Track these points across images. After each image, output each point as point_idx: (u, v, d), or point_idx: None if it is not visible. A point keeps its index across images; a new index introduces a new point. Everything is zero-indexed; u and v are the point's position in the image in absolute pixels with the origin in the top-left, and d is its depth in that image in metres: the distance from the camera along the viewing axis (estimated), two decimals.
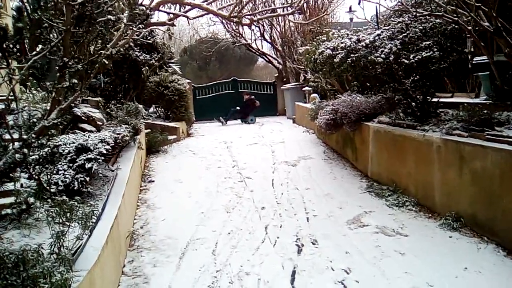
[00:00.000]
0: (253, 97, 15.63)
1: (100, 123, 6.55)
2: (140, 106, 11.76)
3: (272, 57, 18.94)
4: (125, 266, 4.54)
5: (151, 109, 12.59)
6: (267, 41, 18.16)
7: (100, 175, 5.50)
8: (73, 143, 4.73)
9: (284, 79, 18.04)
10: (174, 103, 11.81)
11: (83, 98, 7.01)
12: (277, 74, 18.84)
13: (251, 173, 7.92)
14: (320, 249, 4.73)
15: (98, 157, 4.65)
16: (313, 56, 9.13)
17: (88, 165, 4.54)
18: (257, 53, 18.92)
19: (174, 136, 11.16)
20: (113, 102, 9.06)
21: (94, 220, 3.87)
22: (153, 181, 7.58)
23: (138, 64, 8.97)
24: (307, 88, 13.22)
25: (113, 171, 5.85)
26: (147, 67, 7.59)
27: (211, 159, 9.16)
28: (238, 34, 18.69)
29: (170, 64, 14.30)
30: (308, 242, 4.93)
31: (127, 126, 6.82)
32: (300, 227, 5.38)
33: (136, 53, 8.70)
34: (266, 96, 18.78)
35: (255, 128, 13.64)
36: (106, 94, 9.00)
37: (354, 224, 5.39)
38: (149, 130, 10.55)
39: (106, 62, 5.87)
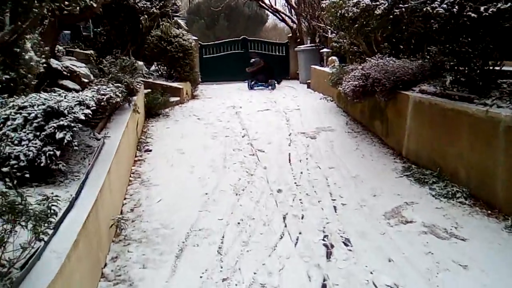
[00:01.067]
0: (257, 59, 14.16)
1: (86, 80, 5.45)
2: (140, 62, 10.62)
3: (286, 14, 17.47)
4: (106, 266, 3.54)
5: (153, 67, 11.41)
6: None
7: (82, 145, 4.45)
8: (42, 104, 3.64)
9: (298, 40, 16.69)
10: (178, 61, 10.62)
11: (68, 48, 5.85)
12: (290, 34, 17.45)
13: (264, 145, 6.85)
14: (355, 253, 3.70)
15: (73, 124, 3.57)
16: (340, 11, 7.84)
17: (59, 135, 3.46)
18: (270, 9, 17.44)
19: (177, 98, 10.04)
20: (108, 56, 7.89)
21: (60, 212, 2.84)
22: (151, 151, 6.54)
23: (137, 12, 7.72)
24: (325, 49, 11.94)
25: (99, 139, 4.79)
26: (146, 16, 6.36)
27: (218, 126, 8.07)
28: None
29: (175, 18, 12.99)
30: (339, 242, 3.89)
31: (119, 85, 5.69)
32: (327, 219, 4.33)
33: None
34: (278, 58, 17.48)
35: (266, 92, 12.47)
36: (99, 47, 7.81)
37: (394, 218, 4.33)
38: (149, 90, 9.47)
39: (94, 5, 4.73)
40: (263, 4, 17.33)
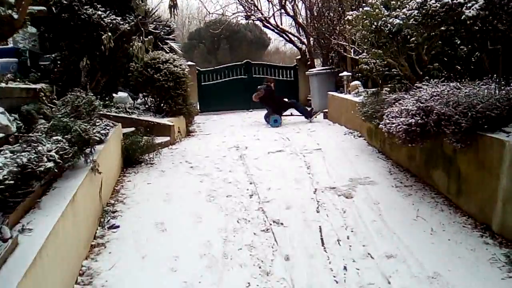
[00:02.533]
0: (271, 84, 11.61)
1: (2, 135, 3.45)
2: (123, 94, 8.74)
3: (293, 35, 15.66)
4: None
5: (140, 99, 9.49)
6: (289, 14, 14.88)
7: None
8: None
9: (308, 63, 14.81)
10: (168, 92, 8.69)
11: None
12: (299, 57, 15.59)
13: (281, 211, 4.81)
14: None
15: None
16: (376, 23, 5.91)
17: None
18: (275, 30, 15.62)
19: (167, 138, 8.06)
20: (76, 89, 5.93)
21: None
22: (118, 227, 4.50)
23: (105, 31, 5.78)
24: (345, 73, 9.99)
25: (5, 240, 2.76)
26: (109, 34, 4.48)
27: (217, 178, 6.05)
28: (252, 6, 15.41)
29: (167, 41, 11.15)
30: None
31: (59, 138, 3.69)
32: None
33: (98, 12, 5.45)
34: (285, 83, 15.60)
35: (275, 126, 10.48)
36: (57, 78, 5.88)
37: None
38: (132, 129, 7.52)
39: (15, 17, 2.86)
40: (268, 25, 15.54)
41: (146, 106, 9.20)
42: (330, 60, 13.43)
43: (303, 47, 15.14)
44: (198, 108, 14.84)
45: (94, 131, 4.75)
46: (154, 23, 11.31)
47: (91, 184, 4.39)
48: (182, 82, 8.77)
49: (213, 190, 5.56)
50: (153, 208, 4.97)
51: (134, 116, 8.42)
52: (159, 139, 7.94)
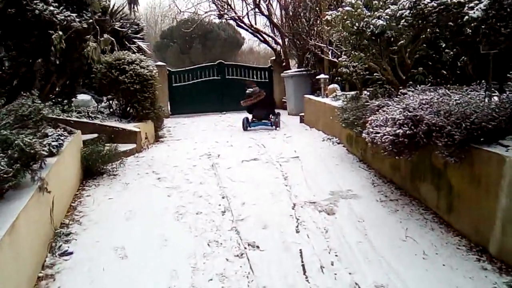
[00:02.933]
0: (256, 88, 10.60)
1: None
2: (86, 97, 8.11)
3: (268, 35, 15.22)
4: None
5: (104, 103, 8.85)
6: (263, 14, 14.43)
7: None
8: None
9: (284, 64, 14.41)
10: (135, 95, 8.10)
11: None
12: (273, 58, 15.17)
13: (256, 230, 4.33)
14: None
15: None
16: (357, 24, 5.51)
17: None
18: (249, 29, 15.14)
19: (132, 146, 7.47)
20: (25, 95, 5.30)
21: None
22: (71, 254, 3.93)
23: (57, 28, 5.12)
24: (322, 75, 9.60)
25: None
26: (60, 33, 3.90)
27: (187, 191, 5.53)
28: (226, 6, 14.88)
29: (135, 40, 10.52)
30: None
31: None
32: None
33: (50, 8, 4.83)
34: (259, 85, 15.04)
35: (250, 130, 9.98)
36: (7, 81, 5.22)
37: None
38: (94, 136, 6.93)
39: None
40: (241, 24, 15.05)
41: (111, 110, 8.56)
42: (306, 62, 13.04)
43: (278, 47, 14.73)
44: (169, 110, 14.28)
45: (45, 142, 4.16)
46: (121, 21, 10.65)
47: (38, 206, 3.80)
48: (149, 85, 8.17)
49: (181, 206, 5.03)
50: (113, 229, 4.41)
51: (97, 121, 7.79)
52: (124, 147, 7.35)
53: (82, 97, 8.98)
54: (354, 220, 4.48)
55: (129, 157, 7.24)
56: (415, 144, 4.28)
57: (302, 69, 12.30)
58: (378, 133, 4.70)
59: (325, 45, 9.32)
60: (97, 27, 4.37)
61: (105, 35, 3.78)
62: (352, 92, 8.54)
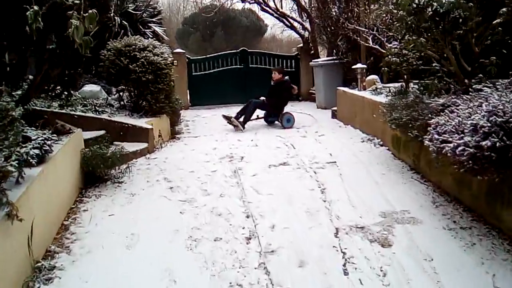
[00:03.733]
0: (287, 77, 9.29)
1: None
2: (95, 87, 7.24)
3: (295, 20, 14.06)
4: None
5: (113, 95, 7.95)
6: None
7: None
8: None
9: (312, 52, 13.25)
10: (147, 86, 7.13)
11: None
12: (301, 45, 14.01)
13: (291, 269, 3.32)
14: None
15: None
16: (417, 1, 4.39)
17: None
18: (275, 14, 14.00)
19: (143, 145, 6.54)
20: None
21: None
22: None
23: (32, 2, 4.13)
24: (359, 65, 8.45)
25: None
26: (35, 8, 2.98)
27: (203, 207, 4.55)
28: None
29: (151, 25, 9.55)
30: None
31: None
32: None
33: None
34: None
35: (277, 127, 8.89)
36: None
37: None
38: (101, 133, 6.05)
39: None
40: (266, 8, 13.91)
41: (121, 103, 7.63)
42: (337, 49, 11.88)
43: (306, 34, 13.56)
44: (189, 101, 13.36)
45: (22, 151, 3.22)
46: (136, 3, 9.69)
47: (6, 238, 2.88)
48: (164, 75, 7.19)
49: (196, 228, 4.05)
50: (109, 261, 3.46)
51: (104, 116, 6.87)
52: (134, 146, 6.43)
53: (90, 87, 8.09)
54: (419, 257, 3.42)
55: (139, 159, 6.31)
56: (507, 161, 3.18)
57: (334, 57, 11.15)
58: (448, 141, 3.61)
59: (367, 30, 8.15)
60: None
61: (91, 10, 2.75)
62: (395, 84, 7.41)
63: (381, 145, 6.48)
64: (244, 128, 8.15)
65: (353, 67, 8.44)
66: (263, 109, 8.52)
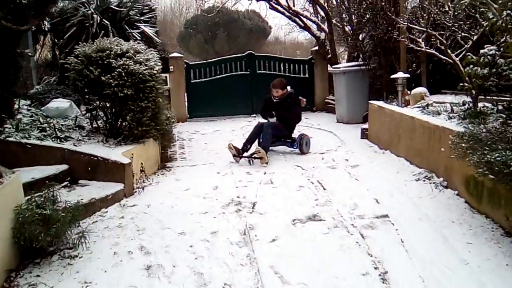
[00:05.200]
0: (289, 88, 7.11)
1: None
2: (65, 103, 5.73)
3: (310, 19, 12.28)
4: None
5: (82, 112, 6.19)
6: None
7: None
8: None
9: (329, 56, 11.48)
10: (126, 104, 5.34)
11: None
12: (316, 48, 12.23)
13: None
14: None
15: None
16: None
17: None
18: (287, 12, 12.20)
19: (118, 187, 4.78)
20: None
21: None
22: None
23: None
24: (400, 74, 6.63)
25: None
26: None
27: None
28: None
29: (139, 25, 7.80)
30: None
31: None
32: None
33: None
34: (296, 81, 12.19)
35: (292, 152, 7.03)
36: None
37: None
38: (60, 170, 4.30)
39: None
40: (277, 7, 12.12)
41: (94, 125, 5.84)
42: (356, 54, 10.14)
43: (322, 35, 11.78)
44: (186, 112, 11.63)
45: None
46: None
47: None
48: (149, 89, 5.40)
49: None
50: None
51: (67, 145, 5.11)
52: (105, 188, 4.68)
53: (57, 103, 6.34)
54: None
55: (111, 207, 4.54)
56: None
57: (359, 62, 9.35)
58: None
59: (416, 26, 6.31)
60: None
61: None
62: (452, 100, 5.65)
63: (446, 187, 4.67)
64: (252, 161, 6.27)
65: (393, 76, 6.62)
66: (276, 133, 6.62)
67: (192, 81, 11.77)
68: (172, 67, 11.35)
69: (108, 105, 5.55)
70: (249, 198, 4.77)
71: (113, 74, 5.13)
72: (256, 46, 36.24)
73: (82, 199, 4.31)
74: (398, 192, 4.70)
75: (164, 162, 6.58)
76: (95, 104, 5.53)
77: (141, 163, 5.19)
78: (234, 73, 11.98)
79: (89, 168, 4.94)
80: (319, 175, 5.51)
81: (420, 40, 6.15)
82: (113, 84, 5.10)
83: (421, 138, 5.26)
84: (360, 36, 9.87)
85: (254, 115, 11.36)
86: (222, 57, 12.77)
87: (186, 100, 11.75)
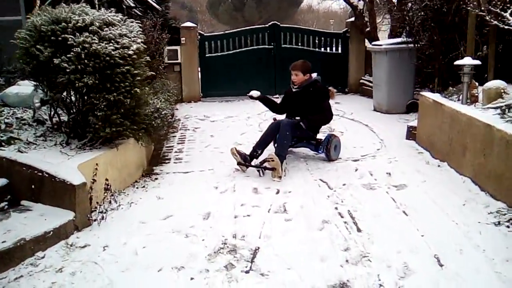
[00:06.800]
0: (315, 75, 5.26)
1: None
2: (28, 88, 4.76)
3: None
4: None
5: (36, 103, 4.76)
6: None
7: None
8: None
9: (367, 29, 9.73)
10: (88, 95, 3.89)
11: None
12: (351, 19, 10.47)
13: None
14: None
15: None
16: None
17: None
18: None
19: (66, 216, 3.37)
20: None
21: None
22: None
23: None
24: (468, 60, 4.86)
25: None
26: None
27: None
28: None
29: None
30: None
31: None
32: None
33: None
34: (327, 58, 10.57)
35: (314, 158, 5.46)
36: None
37: None
38: (6, 181, 2.96)
39: None
40: None
41: (55, 119, 4.45)
42: (402, 28, 8.37)
43: (360, 4, 9.99)
44: (200, 91, 10.23)
45: None
46: None
47: None
48: (120, 76, 3.91)
49: None
50: None
51: (7, 151, 3.74)
52: (48, 219, 3.34)
53: (18, 88, 4.97)
54: None
55: (52, 248, 3.19)
56: None
57: (405, 39, 7.59)
58: None
59: None
60: None
61: None
62: None
63: None
64: (263, 171, 4.73)
65: (458, 63, 4.88)
66: (298, 134, 5.04)
67: (206, 55, 10.32)
68: (183, 38, 9.89)
69: (67, 96, 4.12)
70: (250, 240, 3.33)
71: (68, 55, 3.67)
72: (287, 15, 34.15)
73: (3, 242, 2.98)
74: (470, 246, 3.15)
75: (154, 164, 5.19)
76: (51, 95, 4.10)
77: (106, 179, 3.78)
78: (255, 47, 10.42)
79: (33, 186, 3.59)
80: (351, 200, 3.99)
81: (508, 14, 4.38)
82: (68, 70, 3.66)
83: (501, 157, 3.64)
84: (408, 5, 8.04)
85: (277, 95, 9.78)
86: (242, 28, 11.15)
87: (199, 76, 10.33)
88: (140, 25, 4.46)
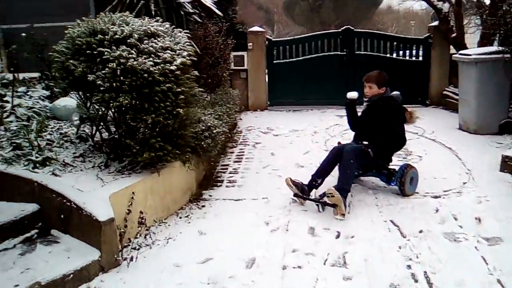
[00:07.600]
0: (396, 92, 4.49)
1: None
2: (71, 102, 3.97)
3: None
4: None
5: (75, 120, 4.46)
6: None
7: None
8: None
9: (453, 35, 8.65)
10: (124, 116, 3.47)
11: None
12: (435, 23, 9.40)
13: None
14: None
15: None
16: None
17: None
18: None
19: (92, 255, 2.97)
20: None
21: None
22: None
23: None
24: None
25: None
26: None
27: None
28: None
29: None
30: None
31: None
32: None
33: None
34: (406, 66, 9.59)
35: (385, 191, 4.66)
36: None
37: None
38: (32, 210, 2.89)
39: None
40: None
41: (94, 138, 4.08)
42: (495, 35, 7.26)
43: (445, 6, 8.89)
44: (267, 99, 9.75)
45: None
46: None
47: None
48: (160, 94, 3.44)
49: None
50: None
51: (40, 174, 3.43)
52: (73, 256, 2.97)
53: (66, 101, 4.72)
54: None
55: None
56: None
57: (499, 48, 6.50)
58: None
59: None
60: None
61: None
62: None
63: None
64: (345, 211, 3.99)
65: None
66: (364, 162, 4.30)
67: (274, 61, 9.78)
68: (250, 44, 9.43)
69: (112, 112, 3.74)
70: None
71: (104, 71, 3.27)
72: (365, 16, 32.80)
73: (16, 286, 2.62)
74: None
75: (204, 187, 4.72)
76: (87, 113, 3.75)
77: (141, 212, 3.34)
78: (326, 53, 9.71)
79: (62, 216, 3.24)
80: (429, 256, 3.21)
81: None
82: (102, 88, 3.26)
83: None
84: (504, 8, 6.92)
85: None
86: (312, 33, 10.47)
87: (267, 84, 9.84)
88: (200, 31, 3.97)
